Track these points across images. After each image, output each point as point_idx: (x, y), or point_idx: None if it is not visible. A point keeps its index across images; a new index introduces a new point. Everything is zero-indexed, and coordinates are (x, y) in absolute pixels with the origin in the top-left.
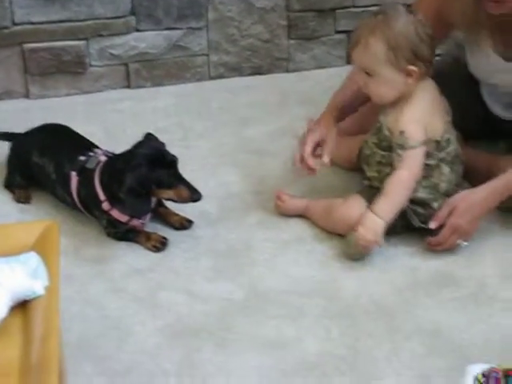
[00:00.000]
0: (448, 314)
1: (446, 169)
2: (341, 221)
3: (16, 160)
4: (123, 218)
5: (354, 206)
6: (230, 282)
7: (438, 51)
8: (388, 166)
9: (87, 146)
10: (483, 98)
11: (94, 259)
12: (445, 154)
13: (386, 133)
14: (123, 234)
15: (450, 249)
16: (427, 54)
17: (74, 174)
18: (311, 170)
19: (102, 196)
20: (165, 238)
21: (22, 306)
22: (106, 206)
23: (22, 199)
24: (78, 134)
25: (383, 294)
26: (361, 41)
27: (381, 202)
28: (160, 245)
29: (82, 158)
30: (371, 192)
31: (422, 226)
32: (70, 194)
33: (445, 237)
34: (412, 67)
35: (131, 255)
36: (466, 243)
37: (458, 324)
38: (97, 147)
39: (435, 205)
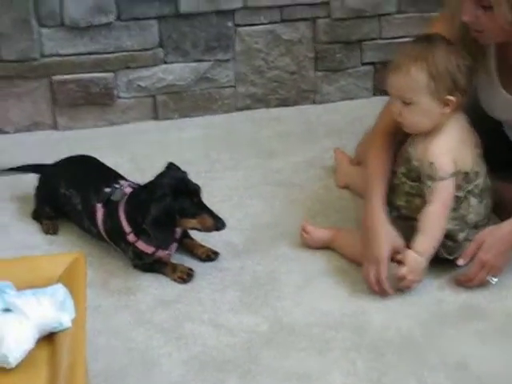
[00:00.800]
0: (474, 347)
1: (474, 201)
2: None
3: (44, 191)
4: (149, 249)
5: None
6: (256, 314)
7: None
8: (417, 196)
9: (113, 177)
10: (505, 129)
11: (120, 291)
12: (473, 186)
13: (415, 163)
14: (149, 265)
15: (481, 285)
16: (465, 85)
17: (99, 205)
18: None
19: (127, 228)
20: (191, 270)
21: (48, 338)
22: (131, 237)
23: (50, 231)
24: (104, 165)
25: (410, 326)
26: (402, 68)
27: (420, 240)
28: (186, 276)
29: (108, 189)
30: (399, 223)
31: (448, 257)
32: (96, 226)
33: (474, 273)
34: (450, 97)
35: (157, 287)
36: (495, 279)
37: (484, 357)
38: (123, 178)
39: (461, 236)
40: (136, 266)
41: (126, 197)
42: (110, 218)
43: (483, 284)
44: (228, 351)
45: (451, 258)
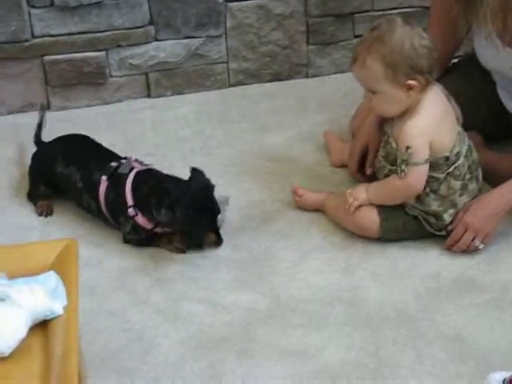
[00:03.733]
0: (470, 320)
1: (455, 183)
2: (351, 221)
3: (39, 170)
4: (148, 225)
5: (366, 210)
6: (252, 291)
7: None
8: None
9: (113, 154)
10: (500, 97)
11: (117, 271)
12: (453, 168)
13: (393, 145)
14: (145, 240)
15: (467, 249)
16: (426, 66)
17: (104, 178)
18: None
19: (130, 201)
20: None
21: (41, 326)
22: (131, 211)
23: (45, 213)
24: (101, 144)
25: (405, 300)
26: (358, 59)
27: (373, 188)
28: (182, 245)
29: (114, 163)
30: None
31: (436, 233)
32: (97, 200)
33: (457, 234)
34: (412, 81)
35: (153, 267)
36: (482, 245)
37: (480, 330)
38: (120, 157)
39: (447, 215)
40: (130, 241)
41: (140, 172)
42: (114, 190)
43: (470, 249)
44: (225, 329)
45: (440, 234)
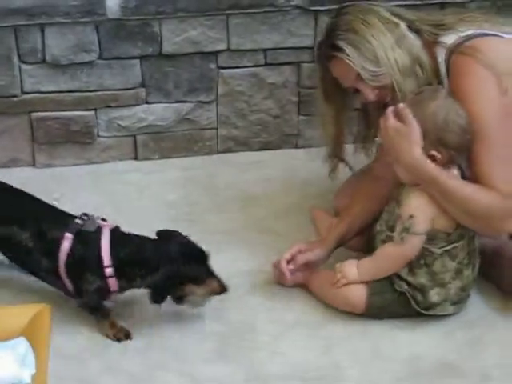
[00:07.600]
0: None
1: (450, 263)
2: (340, 297)
3: None
4: (116, 287)
5: (356, 285)
6: (231, 364)
7: None
8: None
9: (59, 210)
10: None
11: (91, 338)
12: (452, 247)
13: (397, 211)
14: (96, 308)
15: None
16: (453, 142)
17: (69, 235)
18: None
19: (106, 261)
20: (129, 333)
21: None
22: (108, 271)
23: None
24: (38, 199)
25: (385, 382)
26: None
27: (366, 264)
28: (123, 336)
29: (79, 220)
30: None
31: (421, 311)
32: (54, 260)
33: None
34: (434, 152)
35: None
36: None
37: None
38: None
39: (433, 293)
40: (83, 305)
41: (111, 230)
42: (83, 248)
43: None
44: None
45: (425, 313)
